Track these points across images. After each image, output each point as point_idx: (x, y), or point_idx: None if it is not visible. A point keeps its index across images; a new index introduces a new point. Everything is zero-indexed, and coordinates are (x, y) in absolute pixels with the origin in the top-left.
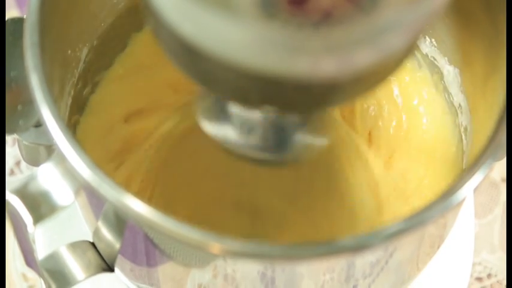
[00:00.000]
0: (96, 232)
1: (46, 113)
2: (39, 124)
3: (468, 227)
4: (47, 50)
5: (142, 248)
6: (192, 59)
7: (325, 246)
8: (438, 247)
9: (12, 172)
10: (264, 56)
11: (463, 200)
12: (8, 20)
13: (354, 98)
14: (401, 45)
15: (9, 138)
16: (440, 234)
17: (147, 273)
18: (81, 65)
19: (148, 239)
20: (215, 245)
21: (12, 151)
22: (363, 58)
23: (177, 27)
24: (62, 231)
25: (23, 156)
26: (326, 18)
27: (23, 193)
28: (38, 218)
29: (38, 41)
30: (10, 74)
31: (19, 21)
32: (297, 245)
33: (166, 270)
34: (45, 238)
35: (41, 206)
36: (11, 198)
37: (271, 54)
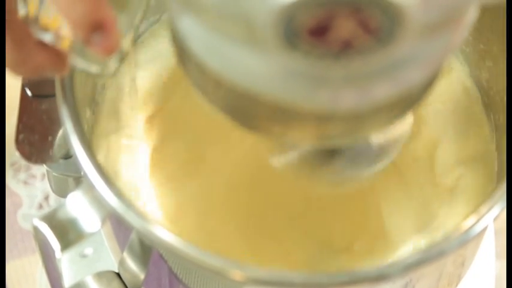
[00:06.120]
0: (122, 262)
1: (76, 144)
2: (68, 156)
3: (489, 268)
4: (77, 84)
5: (166, 282)
6: (219, 92)
7: (346, 275)
8: (456, 285)
9: (40, 206)
10: (287, 87)
11: (483, 231)
12: None
13: (375, 130)
14: (420, 79)
15: (38, 173)
16: (458, 273)
17: None
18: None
19: (172, 273)
20: (237, 272)
21: (41, 185)
22: (382, 90)
23: (205, 61)
24: (89, 262)
25: (52, 188)
26: (346, 48)
27: (52, 220)
28: (66, 244)
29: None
30: (42, 106)
31: None
32: (318, 273)
33: None
34: (72, 269)
35: (68, 233)
36: (39, 225)
37: (294, 85)
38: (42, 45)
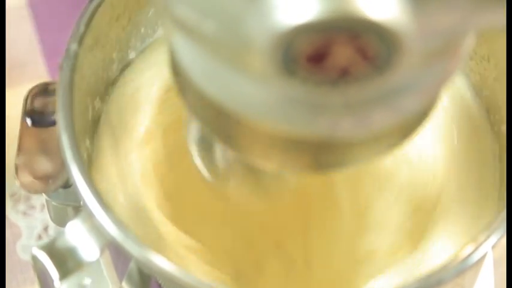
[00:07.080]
0: None
1: (75, 173)
2: (68, 185)
3: None
4: (76, 113)
5: None
6: (218, 119)
7: None
8: None
9: (40, 237)
10: (285, 114)
11: (481, 259)
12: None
13: (373, 158)
14: (419, 106)
15: (38, 203)
16: None
17: None
18: None
19: None
20: None
21: (40, 216)
22: (381, 117)
23: (204, 88)
24: None
25: (51, 217)
26: (344, 75)
27: (51, 249)
28: (64, 273)
29: (69, 102)
30: (41, 136)
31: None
32: None
33: None
34: None
35: (67, 262)
36: (38, 254)
37: (292, 112)
38: None
